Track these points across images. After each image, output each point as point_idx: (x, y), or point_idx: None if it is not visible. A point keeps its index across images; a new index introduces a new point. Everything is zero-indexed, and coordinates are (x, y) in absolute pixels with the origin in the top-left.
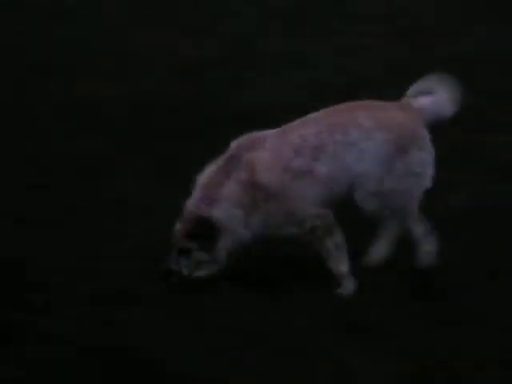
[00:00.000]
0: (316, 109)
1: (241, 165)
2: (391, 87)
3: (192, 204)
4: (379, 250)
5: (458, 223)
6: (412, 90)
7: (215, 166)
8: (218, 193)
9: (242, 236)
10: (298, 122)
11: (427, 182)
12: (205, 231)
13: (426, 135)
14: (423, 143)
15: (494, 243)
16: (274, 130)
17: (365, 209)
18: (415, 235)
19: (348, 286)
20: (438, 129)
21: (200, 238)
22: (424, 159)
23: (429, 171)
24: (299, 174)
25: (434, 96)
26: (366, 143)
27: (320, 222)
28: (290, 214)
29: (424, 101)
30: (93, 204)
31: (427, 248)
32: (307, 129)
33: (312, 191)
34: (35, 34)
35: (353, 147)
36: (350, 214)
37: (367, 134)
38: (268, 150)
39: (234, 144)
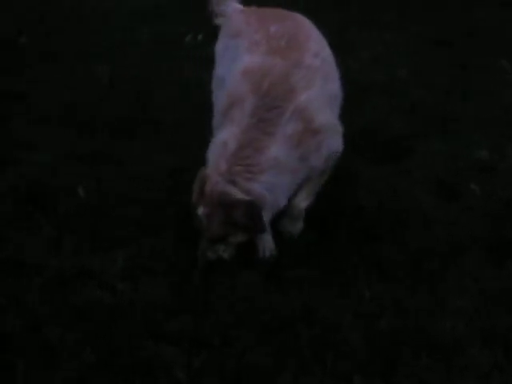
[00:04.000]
0: None
1: (288, 115)
2: None
3: (222, 181)
4: None
5: None
6: None
7: (242, 122)
8: (261, 161)
9: (282, 202)
10: (277, 39)
11: None
12: (253, 215)
13: None
14: None
15: None
16: (272, 58)
17: None
18: None
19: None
20: None
21: (247, 223)
22: None
23: None
24: (332, 100)
25: None
26: None
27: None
28: (333, 153)
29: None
30: None
31: None
32: (309, 44)
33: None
34: None
35: None
36: None
37: None
38: (307, 88)
39: (251, 88)
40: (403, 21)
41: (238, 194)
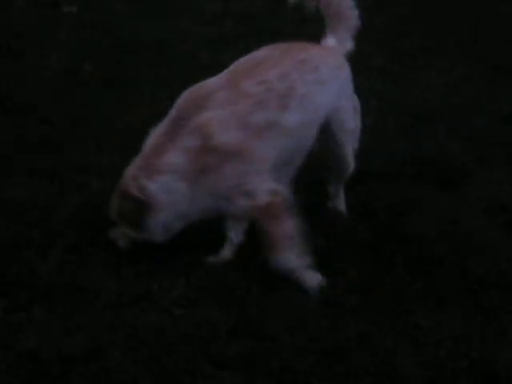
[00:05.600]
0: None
1: (189, 129)
2: None
3: (129, 175)
4: None
5: None
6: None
7: (161, 129)
8: (159, 163)
9: (186, 212)
10: (244, 63)
11: None
12: (132, 211)
13: None
14: None
15: None
16: (220, 79)
17: (342, 153)
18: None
19: (309, 280)
20: None
21: (127, 218)
22: None
23: None
24: (261, 129)
25: (335, 34)
26: (337, 81)
27: (273, 198)
28: (243, 178)
29: (330, 42)
30: None
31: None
32: (267, 72)
33: (276, 147)
34: None
35: (323, 86)
36: None
37: (335, 71)
38: (220, 108)
39: (180, 101)
40: (460, 47)
41: (133, 189)
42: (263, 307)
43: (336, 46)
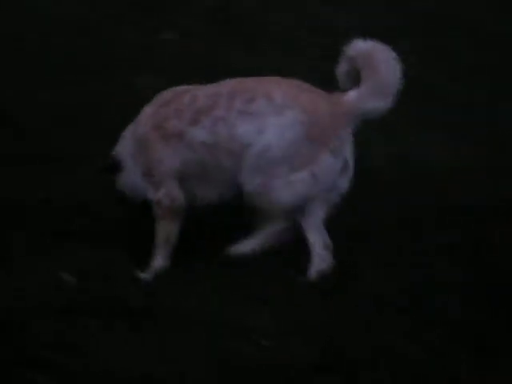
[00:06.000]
0: None
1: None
2: None
3: None
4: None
5: None
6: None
7: None
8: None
9: (137, 182)
10: (220, 83)
11: (333, 195)
12: (108, 165)
13: (345, 137)
14: (338, 147)
15: None
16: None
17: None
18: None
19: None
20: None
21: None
22: (332, 168)
23: (335, 181)
24: (168, 135)
25: (363, 89)
26: (274, 118)
27: (164, 199)
28: (148, 172)
29: (350, 95)
30: None
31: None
32: (205, 90)
33: (181, 155)
34: None
35: (252, 117)
36: None
37: (276, 108)
38: (155, 106)
39: None
40: None
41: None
42: (347, 343)
43: (351, 99)
